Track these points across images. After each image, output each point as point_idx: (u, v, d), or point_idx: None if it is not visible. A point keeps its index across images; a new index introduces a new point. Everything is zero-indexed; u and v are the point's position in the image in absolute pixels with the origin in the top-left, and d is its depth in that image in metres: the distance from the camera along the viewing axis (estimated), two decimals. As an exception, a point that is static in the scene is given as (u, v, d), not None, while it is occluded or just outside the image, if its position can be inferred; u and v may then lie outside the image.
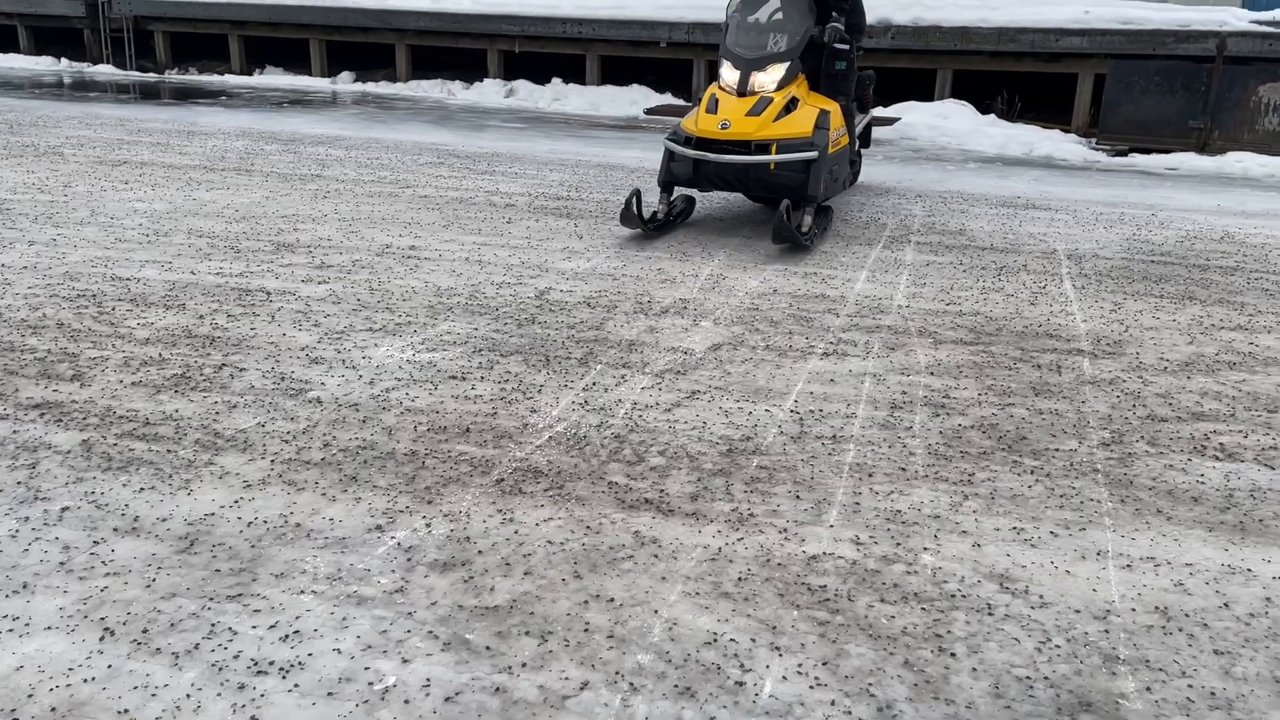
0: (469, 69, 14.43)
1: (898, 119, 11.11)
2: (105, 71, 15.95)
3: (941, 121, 11.26)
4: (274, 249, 5.32)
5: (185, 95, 13.15)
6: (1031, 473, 3.03)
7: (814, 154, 5.69)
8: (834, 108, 6.12)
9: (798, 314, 4.50)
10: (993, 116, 11.41)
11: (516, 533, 2.60)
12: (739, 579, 2.42)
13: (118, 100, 12.30)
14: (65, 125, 9.73)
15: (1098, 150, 10.21)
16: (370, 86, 14.46)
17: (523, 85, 13.64)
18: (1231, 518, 2.80)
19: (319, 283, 4.72)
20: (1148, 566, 2.54)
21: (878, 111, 11.69)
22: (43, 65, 16.27)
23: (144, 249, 5.24)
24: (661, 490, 2.85)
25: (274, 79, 15.14)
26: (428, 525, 2.61)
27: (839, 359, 3.94)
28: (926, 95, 12.13)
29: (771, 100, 5.78)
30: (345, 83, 14.77)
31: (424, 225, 5.99)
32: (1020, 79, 11.82)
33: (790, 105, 5.83)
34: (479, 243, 5.60)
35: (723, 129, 5.71)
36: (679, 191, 6.43)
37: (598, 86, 13.48)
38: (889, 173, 8.54)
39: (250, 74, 15.65)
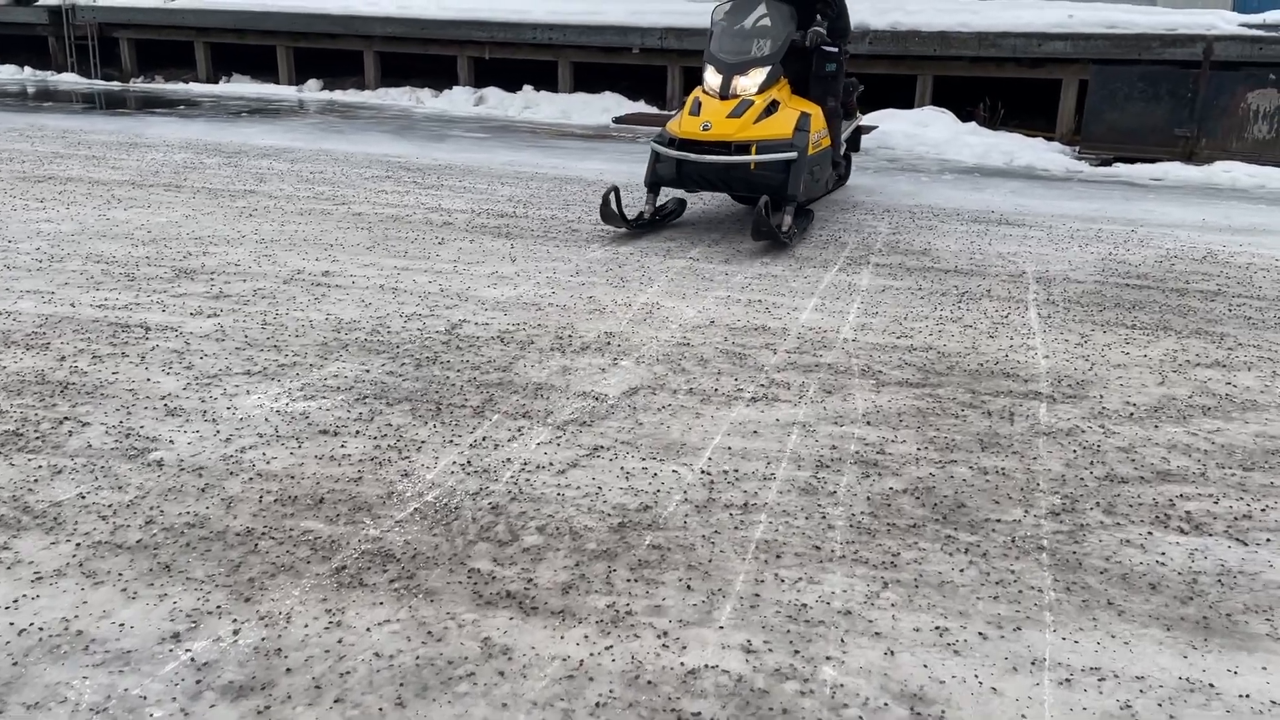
0: (439, 76, 14.02)
1: (874, 127, 10.70)
2: (68, 80, 15.55)
3: (920, 130, 10.85)
4: (173, 276, 4.90)
5: (147, 104, 12.75)
6: (966, 552, 2.61)
7: (793, 154, 5.91)
8: (815, 110, 6.25)
9: (731, 350, 4.08)
10: (974, 124, 11.00)
11: (340, 642, 2.18)
12: (596, 706, 2.01)
13: (69, 111, 11.89)
14: (2, 138, 9.31)
15: (1081, 160, 9.80)
16: (337, 95, 14.06)
17: (493, 93, 13.23)
18: (1194, 611, 2.39)
19: (208, 315, 4.31)
20: (1090, 681, 2.12)
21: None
22: (5, 74, 15.86)
23: (30, 277, 4.82)
24: (530, 580, 2.43)
25: (240, 87, 14.73)
26: (235, 633, 2.19)
27: (767, 405, 3.52)
28: (906, 102, 11.73)
29: (752, 103, 5.94)
30: (312, 91, 14.36)
31: (346, 247, 5.57)
32: (1003, 85, 11.41)
33: (771, 108, 5.98)
34: (400, 267, 5.19)
35: (704, 130, 5.91)
36: (671, 193, 6.70)
37: (569, 94, 13.06)
38: (861, 183, 8.14)
39: (217, 82, 15.23)
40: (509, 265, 5.30)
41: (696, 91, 6.21)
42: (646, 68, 12.93)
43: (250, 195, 6.97)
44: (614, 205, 5.99)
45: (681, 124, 6.03)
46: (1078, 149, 10.08)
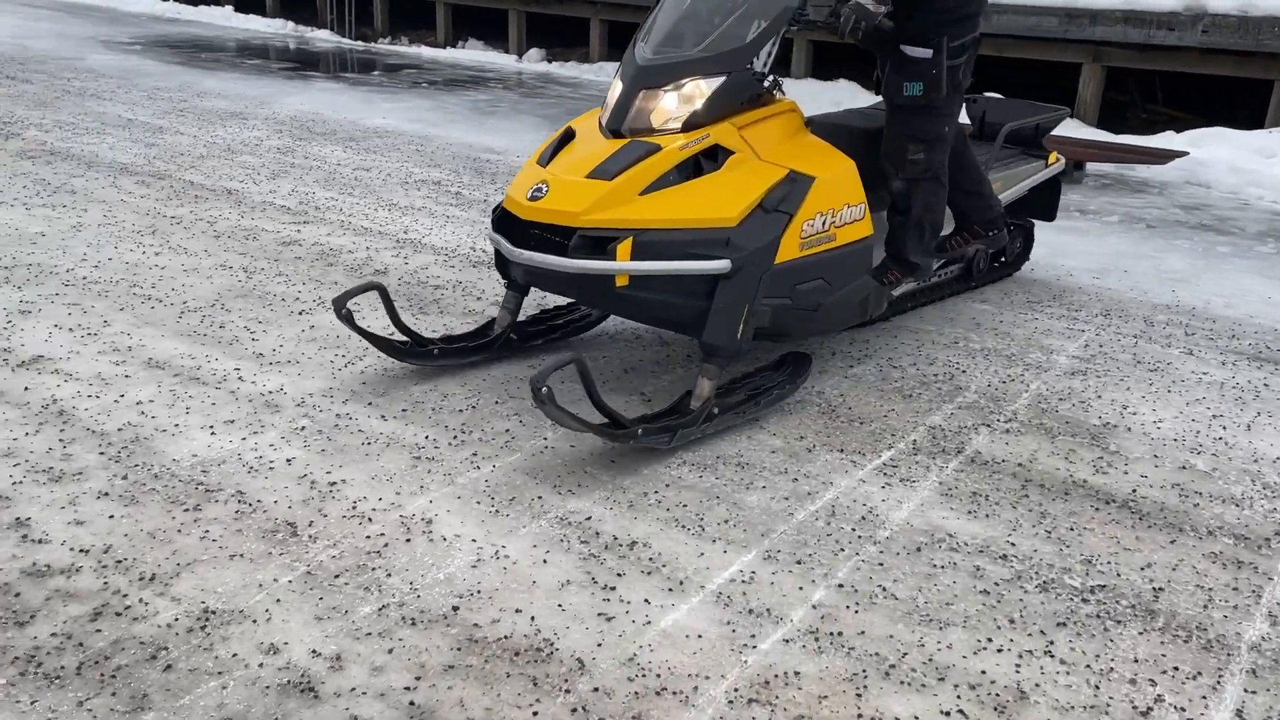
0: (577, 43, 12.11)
1: (1183, 154, 7.42)
2: (323, 37, 15.32)
3: (1262, 163, 7.41)
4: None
5: (366, 67, 11.94)
6: None
7: (721, 264, 3.01)
8: (838, 169, 3.35)
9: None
10: (1353, 159, 7.37)
11: None
12: None
13: (263, 71, 11.26)
14: (121, 97, 8.61)
15: None
16: (556, 67, 12.53)
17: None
18: None
19: None
20: None
21: (1159, 139, 8.00)
22: (273, 28, 15.96)
23: None
24: None
25: (469, 54, 13.65)
26: None
27: None
28: (1254, 119, 8.21)
29: (653, 151, 3.09)
30: (532, 61, 12.97)
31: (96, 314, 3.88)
32: None
33: (710, 159, 3.17)
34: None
35: (532, 200, 3.10)
36: None
37: (800, 79, 10.64)
38: (1095, 250, 5.26)
39: (455, 46, 14.32)
40: (229, 405, 3.35)
41: (580, 119, 3.49)
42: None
43: (184, 196, 5.50)
44: (390, 318, 3.44)
45: (515, 181, 3.33)
46: None
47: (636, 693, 2.06)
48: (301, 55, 12.83)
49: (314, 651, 2.12)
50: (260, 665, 2.07)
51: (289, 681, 2.03)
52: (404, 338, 3.48)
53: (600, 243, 2.99)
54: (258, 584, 2.33)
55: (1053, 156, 4.77)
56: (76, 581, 2.30)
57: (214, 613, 2.22)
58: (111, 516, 2.56)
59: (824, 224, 3.27)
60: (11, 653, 2.06)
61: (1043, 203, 4.81)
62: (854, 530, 2.69)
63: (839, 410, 3.41)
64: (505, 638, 2.19)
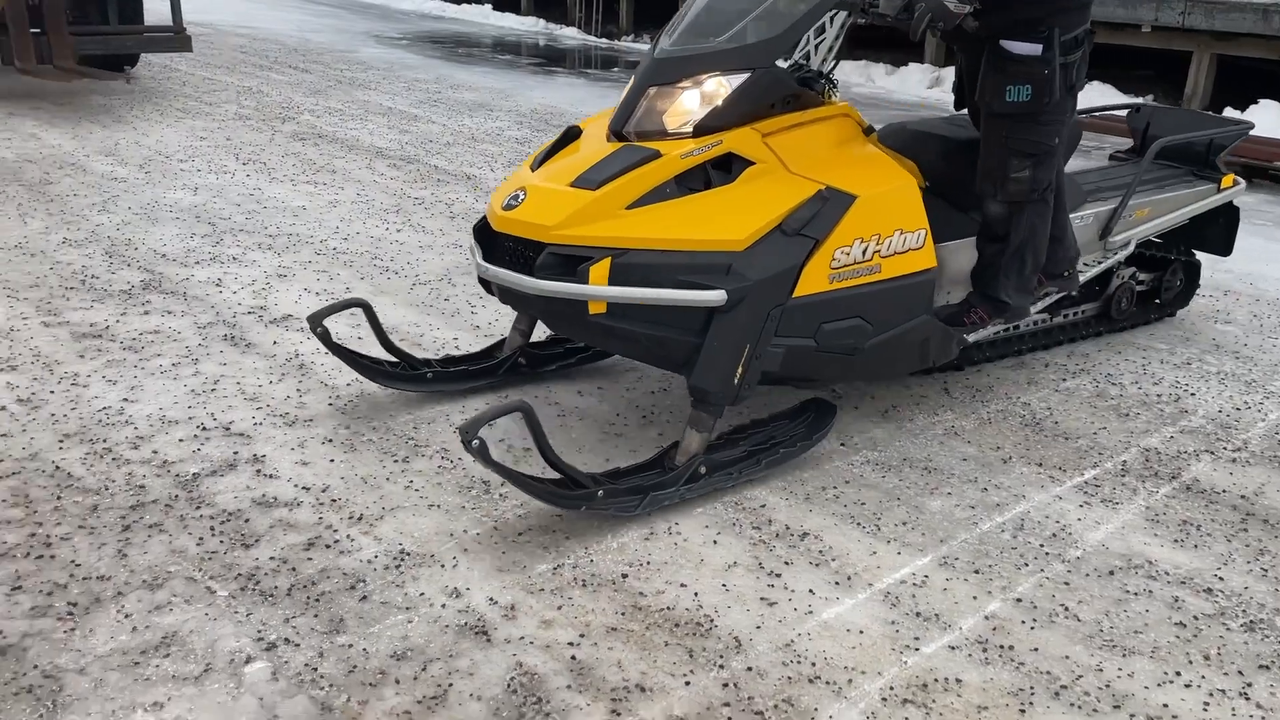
0: (900, 49, 11.79)
1: None
2: (570, 35, 15.97)
3: None
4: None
5: (607, 64, 12.38)
6: None
7: (716, 296, 2.52)
8: (891, 187, 2.84)
9: None
10: None
11: None
12: None
13: (512, 66, 11.87)
14: (384, 87, 9.34)
15: None
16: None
17: (951, 74, 10.72)
18: None
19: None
20: None
21: None
22: (525, 26, 16.79)
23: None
24: None
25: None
26: None
27: None
28: None
29: (651, 157, 2.64)
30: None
31: None
32: None
33: (724, 170, 2.70)
34: (402, 334, 3.68)
35: (506, 209, 2.70)
36: None
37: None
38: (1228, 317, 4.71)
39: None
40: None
41: (595, 117, 3.04)
42: (1165, 53, 9.50)
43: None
44: (378, 338, 3.16)
45: (499, 188, 2.95)
46: None
47: (789, 677, 2.07)
48: (549, 51, 13.44)
49: (491, 599, 2.27)
50: (443, 606, 2.24)
51: (466, 624, 2.19)
52: (393, 359, 3.21)
53: (573, 262, 2.54)
54: (449, 533, 2.51)
55: (1228, 179, 4.10)
56: (296, 514, 2.57)
57: (408, 554, 2.42)
58: (332, 460, 2.84)
59: (865, 252, 2.76)
60: (236, 569, 2.34)
61: (1215, 233, 4.17)
62: (1042, 546, 2.57)
63: (1044, 424, 3.25)
64: (668, 609, 2.27)
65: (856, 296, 2.77)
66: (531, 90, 9.59)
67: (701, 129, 2.71)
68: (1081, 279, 3.60)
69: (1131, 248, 3.82)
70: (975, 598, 2.37)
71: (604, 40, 15.31)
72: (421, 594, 2.28)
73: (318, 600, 2.25)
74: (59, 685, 1.96)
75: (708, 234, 2.57)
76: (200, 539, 2.44)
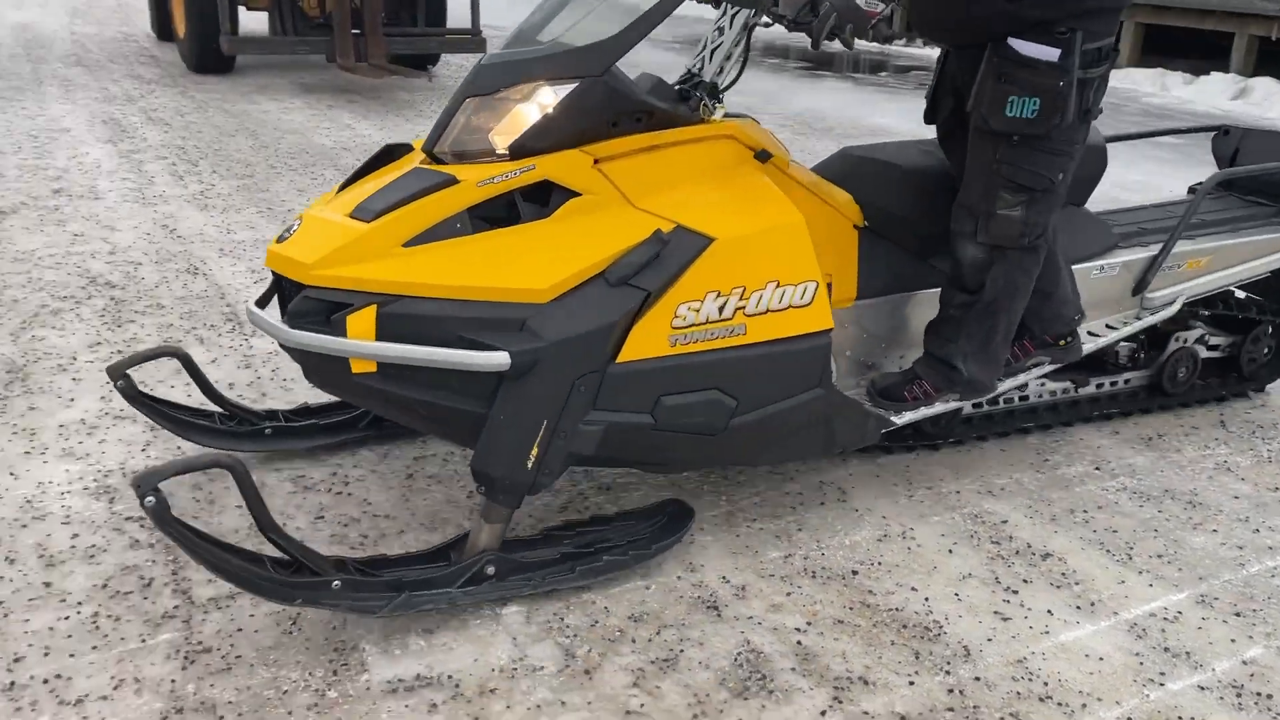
0: (1204, 57, 10.86)
1: None
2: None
3: None
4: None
5: (876, 68, 12.25)
6: None
7: (497, 357, 2.02)
8: (767, 227, 2.25)
9: None
10: None
11: None
12: None
13: (779, 70, 11.93)
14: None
15: None
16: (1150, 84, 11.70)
17: (1262, 84, 9.78)
18: None
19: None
20: None
21: None
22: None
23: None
24: None
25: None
26: None
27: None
28: None
29: (444, 184, 2.15)
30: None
31: None
32: None
33: (539, 202, 2.20)
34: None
35: (279, 241, 2.23)
36: None
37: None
38: None
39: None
40: None
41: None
42: None
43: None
44: (199, 388, 2.69)
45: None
46: None
47: (1019, 693, 2.04)
48: (818, 55, 13.41)
49: (724, 578, 2.37)
50: (678, 578, 2.37)
51: (699, 597, 2.30)
52: (221, 410, 2.73)
53: (335, 309, 2.07)
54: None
55: None
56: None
57: (650, 528, 2.57)
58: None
59: (722, 309, 2.18)
60: (498, 522, 2.57)
61: None
62: (1318, 597, 2.37)
63: None
64: (897, 609, 2.28)
65: (711, 364, 2.21)
66: (797, 94, 9.64)
67: (519, 150, 2.19)
68: (1100, 344, 2.95)
69: (1178, 306, 3.10)
70: (1234, 640, 2.22)
71: (875, 44, 15.10)
72: (660, 565, 2.41)
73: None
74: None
75: (501, 281, 2.06)
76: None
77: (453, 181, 2.15)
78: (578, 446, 2.16)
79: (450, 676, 2.03)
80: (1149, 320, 3.08)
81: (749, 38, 2.55)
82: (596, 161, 2.22)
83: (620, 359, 2.12)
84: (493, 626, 2.18)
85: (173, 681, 1.97)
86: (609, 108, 2.24)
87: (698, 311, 2.16)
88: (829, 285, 2.51)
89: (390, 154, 2.43)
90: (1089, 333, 2.98)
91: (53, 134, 6.42)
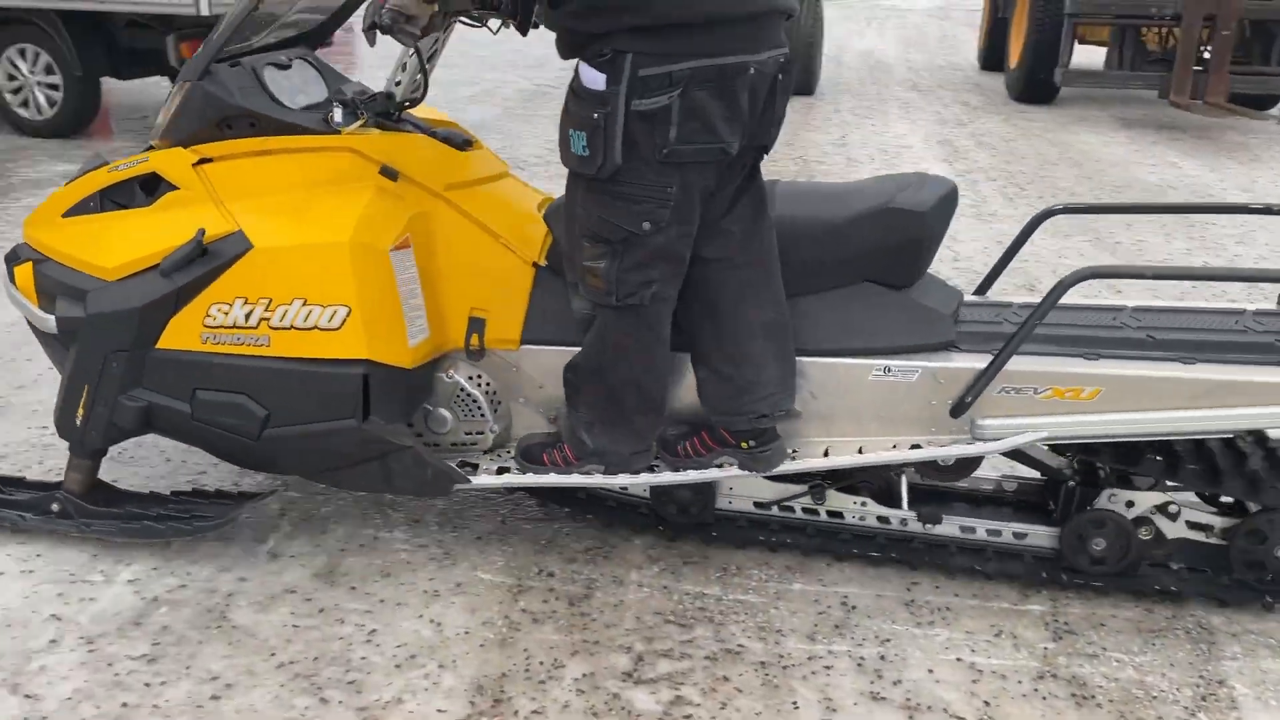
0: None
1: None
2: None
3: None
4: None
5: None
6: None
7: (48, 320, 2.46)
8: (314, 241, 2.29)
9: None
10: None
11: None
12: None
13: None
14: None
15: None
16: None
17: None
18: None
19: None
20: None
21: None
22: None
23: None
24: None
25: None
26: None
27: None
28: None
29: (99, 165, 2.54)
30: None
31: None
32: None
33: (147, 191, 2.43)
34: None
35: None
36: None
37: None
38: None
39: None
40: None
41: None
42: None
43: None
44: None
45: None
46: None
47: None
48: None
49: None
50: None
51: None
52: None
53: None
54: None
55: None
56: None
57: None
58: None
59: (249, 316, 2.29)
60: None
61: None
62: None
63: None
64: None
65: (238, 368, 2.33)
66: None
67: (159, 142, 2.47)
68: (841, 463, 2.35)
69: (1009, 445, 2.27)
70: None
71: None
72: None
73: None
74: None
75: (87, 256, 2.39)
76: None
77: (104, 164, 2.52)
78: (120, 418, 2.40)
79: None
80: (964, 451, 2.30)
81: (434, 54, 2.44)
82: (202, 160, 2.38)
83: (160, 345, 2.34)
84: None
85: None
86: (210, 110, 2.38)
87: (227, 314, 2.30)
88: (479, 320, 2.41)
89: None
90: (860, 450, 2.33)
91: (898, 149, 7.33)
